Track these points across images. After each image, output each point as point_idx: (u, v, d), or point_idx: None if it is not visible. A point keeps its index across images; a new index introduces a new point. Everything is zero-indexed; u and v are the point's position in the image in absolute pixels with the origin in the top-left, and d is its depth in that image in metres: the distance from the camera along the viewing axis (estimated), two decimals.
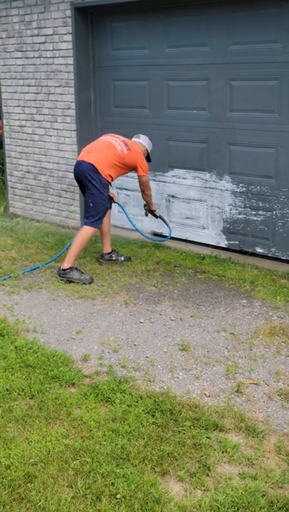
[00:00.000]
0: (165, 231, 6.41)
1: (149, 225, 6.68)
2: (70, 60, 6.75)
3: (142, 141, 5.79)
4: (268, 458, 3.02)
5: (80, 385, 3.71)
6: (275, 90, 5.45)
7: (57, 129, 7.18)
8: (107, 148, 5.43)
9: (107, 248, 5.90)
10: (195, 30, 5.86)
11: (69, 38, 6.68)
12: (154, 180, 6.54)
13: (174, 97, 6.24)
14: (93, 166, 5.35)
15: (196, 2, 5.73)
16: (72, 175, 7.12)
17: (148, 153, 5.80)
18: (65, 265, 5.43)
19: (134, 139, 5.76)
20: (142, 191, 5.75)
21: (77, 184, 7.07)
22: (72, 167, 7.07)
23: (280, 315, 4.68)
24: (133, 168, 5.55)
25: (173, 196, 6.55)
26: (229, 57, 5.68)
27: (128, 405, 3.46)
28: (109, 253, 5.91)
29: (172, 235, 6.44)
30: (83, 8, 6.56)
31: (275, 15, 5.28)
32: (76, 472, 2.90)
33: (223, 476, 2.88)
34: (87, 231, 5.44)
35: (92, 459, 2.99)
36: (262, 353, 4.10)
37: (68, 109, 6.96)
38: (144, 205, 6.03)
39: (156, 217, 6.09)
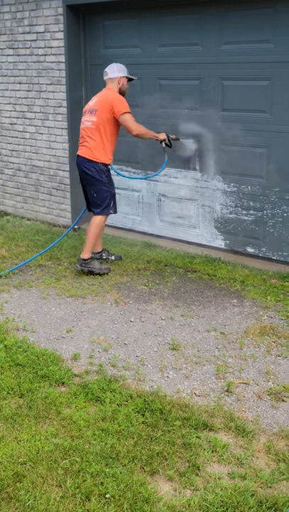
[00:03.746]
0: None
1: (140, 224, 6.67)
2: (62, 58, 6.72)
3: (112, 74, 5.40)
4: (257, 458, 3.03)
5: (70, 384, 3.69)
6: (267, 90, 5.45)
7: (48, 127, 7.15)
8: (90, 134, 5.36)
9: (98, 247, 5.88)
10: (187, 29, 5.85)
11: (61, 35, 6.65)
12: (146, 179, 6.53)
13: (166, 96, 6.23)
14: (84, 157, 5.39)
15: (189, 1, 5.73)
16: (62, 173, 7.13)
17: (128, 77, 5.48)
18: (86, 255, 5.53)
19: (105, 78, 5.45)
20: (136, 136, 5.39)
21: (68, 183, 7.08)
22: (63, 165, 7.10)
23: (270, 315, 4.69)
24: (112, 113, 5.26)
25: (164, 195, 6.54)
26: (221, 57, 5.68)
27: (118, 404, 3.46)
28: (99, 252, 5.89)
29: (163, 235, 6.44)
30: (75, 6, 6.54)
31: (267, 15, 5.29)
32: (65, 471, 2.89)
33: (212, 475, 2.88)
34: (97, 220, 5.51)
35: (82, 458, 2.98)
36: (252, 352, 4.11)
37: (60, 107, 6.93)
38: (161, 143, 5.68)
39: (169, 146, 5.72)
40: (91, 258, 5.59)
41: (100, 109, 5.28)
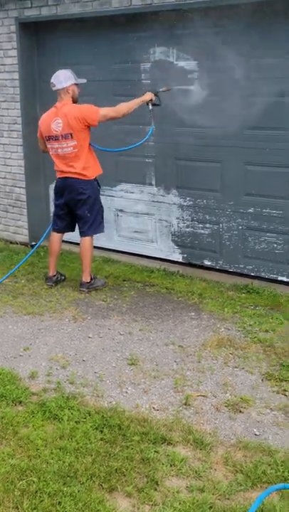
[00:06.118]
0: None
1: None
2: (16, 75, 6.71)
3: (59, 85, 5.23)
4: (215, 469, 3.04)
5: (28, 403, 3.65)
6: (218, 104, 5.55)
7: (3, 144, 7.11)
8: (74, 159, 5.27)
9: (54, 271, 5.74)
10: (138, 47, 5.93)
11: (14, 53, 6.65)
12: (102, 194, 6.54)
13: None
14: (77, 178, 5.31)
15: (136, 19, 5.81)
16: (19, 190, 7.08)
17: (77, 82, 5.33)
18: (88, 278, 5.54)
19: (55, 89, 5.27)
20: (122, 116, 5.30)
21: (25, 199, 7.02)
22: (19, 182, 7.06)
23: (227, 326, 4.74)
24: (88, 125, 5.23)
25: (121, 210, 6.57)
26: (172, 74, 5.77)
27: (76, 422, 3.43)
28: (55, 275, 5.78)
29: (121, 249, 6.47)
30: (28, 24, 6.55)
31: None
32: (22, 492, 2.85)
33: (171, 489, 2.88)
34: (88, 241, 5.51)
35: (39, 478, 2.94)
36: (210, 364, 4.14)
37: (14, 123, 6.91)
38: (147, 105, 5.48)
39: (157, 105, 5.53)
40: (92, 278, 5.57)
41: (75, 130, 5.18)
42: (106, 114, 5.22)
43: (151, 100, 5.47)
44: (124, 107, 5.29)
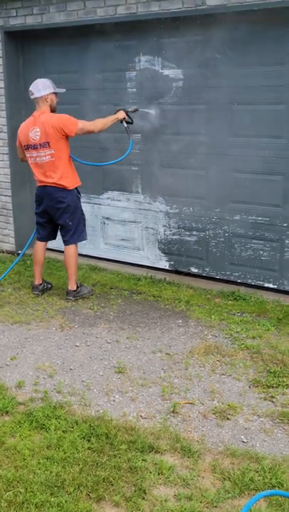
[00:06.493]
0: None
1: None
2: (1, 84, 6.71)
3: (38, 93, 5.24)
4: (203, 477, 3.04)
5: (14, 413, 3.63)
6: (203, 112, 5.59)
7: None
8: (52, 167, 5.26)
9: (39, 279, 5.74)
10: (123, 55, 5.96)
11: None
12: (89, 202, 6.55)
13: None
14: (56, 187, 5.29)
15: (121, 28, 5.83)
16: (5, 198, 7.06)
17: (56, 91, 5.34)
18: (74, 286, 5.53)
19: (32, 97, 5.31)
20: (99, 131, 5.41)
21: (11, 208, 7.00)
22: (5, 190, 7.04)
23: (214, 334, 4.75)
24: (65, 135, 5.22)
25: (108, 218, 6.57)
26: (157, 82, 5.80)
27: (63, 431, 3.42)
28: (41, 284, 5.77)
29: (108, 257, 6.47)
30: (13, 33, 6.56)
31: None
32: (9, 504, 2.82)
33: (158, 498, 2.87)
34: (72, 249, 5.49)
35: (26, 488, 2.92)
36: (197, 372, 4.14)
37: (0, 132, 6.89)
38: (121, 122, 5.60)
39: (130, 123, 5.68)
40: (78, 286, 5.56)
41: (52, 139, 5.17)
42: (83, 127, 5.25)
43: (124, 118, 5.60)
44: (101, 123, 5.38)
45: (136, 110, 5.82)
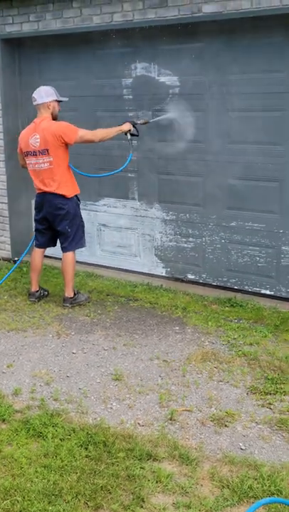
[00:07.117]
0: None
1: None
2: None
3: (40, 100, 5.26)
4: (201, 485, 3.02)
5: (11, 421, 3.61)
6: (200, 119, 5.60)
7: None
8: (50, 175, 5.26)
9: (36, 286, 5.73)
10: (120, 62, 5.97)
11: None
12: (85, 209, 6.54)
13: (102, 127, 6.27)
14: (55, 194, 5.28)
15: (118, 35, 5.85)
16: (1, 205, 7.05)
17: (58, 99, 5.36)
18: (71, 293, 5.50)
19: (34, 104, 5.32)
20: (99, 141, 5.41)
21: (7, 215, 6.99)
22: (1, 197, 7.03)
23: (211, 340, 4.74)
24: (65, 143, 5.22)
25: (104, 225, 6.56)
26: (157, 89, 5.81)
27: (61, 439, 3.39)
28: (37, 291, 5.76)
29: (104, 264, 6.46)
30: (10, 40, 6.57)
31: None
32: None
33: (157, 506, 2.85)
34: (70, 256, 5.46)
35: (23, 497, 2.89)
36: (194, 379, 4.13)
37: None
38: (125, 134, 5.55)
39: (135, 135, 5.62)
40: (75, 293, 5.54)
41: (52, 147, 5.17)
42: (83, 136, 5.24)
43: (129, 130, 5.53)
44: (102, 133, 5.36)
45: (146, 123, 5.73)
